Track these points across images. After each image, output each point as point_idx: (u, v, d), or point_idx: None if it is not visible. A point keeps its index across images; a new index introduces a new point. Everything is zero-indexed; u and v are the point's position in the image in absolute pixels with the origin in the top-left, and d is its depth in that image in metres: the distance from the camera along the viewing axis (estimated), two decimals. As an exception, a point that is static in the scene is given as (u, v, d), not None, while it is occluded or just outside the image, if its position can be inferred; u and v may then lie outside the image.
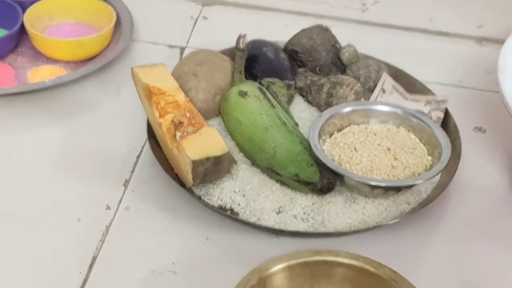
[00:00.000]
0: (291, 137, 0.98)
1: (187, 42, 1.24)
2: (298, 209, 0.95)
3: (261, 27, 1.25)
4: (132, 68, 1.01)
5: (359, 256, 0.84)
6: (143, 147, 1.04)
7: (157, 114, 0.98)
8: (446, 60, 1.23)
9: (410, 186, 0.96)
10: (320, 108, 1.07)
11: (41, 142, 1.05)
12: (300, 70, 1.11)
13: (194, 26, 1.28)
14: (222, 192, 0.96)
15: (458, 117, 1.06)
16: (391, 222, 0.93)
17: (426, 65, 1.20)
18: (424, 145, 1.00)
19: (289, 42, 1.13)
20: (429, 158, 0.98)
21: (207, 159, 0.92)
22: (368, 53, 1.14)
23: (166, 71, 1.02)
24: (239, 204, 0.95)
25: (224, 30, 1.18)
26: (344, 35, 1.15)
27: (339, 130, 1.02)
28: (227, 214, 0.94)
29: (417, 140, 1.01)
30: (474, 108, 1.13)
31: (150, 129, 1.02)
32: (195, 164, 0.92)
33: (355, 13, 1.31)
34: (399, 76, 1.12)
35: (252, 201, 0.95)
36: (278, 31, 1.19)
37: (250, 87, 1.02)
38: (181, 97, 0.99)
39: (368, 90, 1.10)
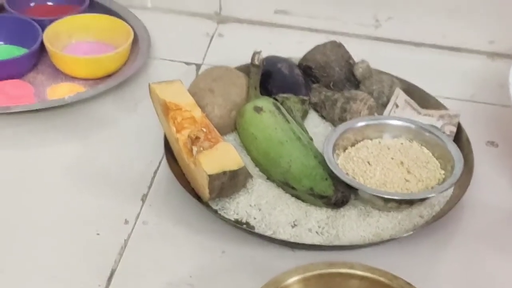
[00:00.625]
0: (305, 151, 0.99)
1: (203, 59, 1.26)
2: (313, 222, 0.96)
3: (275, 43, 1.26)
4: (149, 85, 1.03)
5: (373, 268, 0.84)
6: (160, 162, 1.05)
7: (174, 129, 0.99)
8: (458, 75, 1.24)
9: (423, 200, 0.97)
10: (334, 123, 1.08)
11: (61, 157, 1.06)
12: (314, 85, 1.12)
13: (210, 43, 1.30)
14: (238, 206, 0.97)
15: (470, 132, 1.06)
16: (405, 235, 0.94)
17: (439, 80, 1.20)
18: (437, 159, 1.01)
19: (304, 58, 1.14)
20: (442, 172, 0.99)
21: (224, 173, 0.94)
22: (381, 68, 1.15)
23: (182, 87, 1.03)
24: (254, 218, 0.96)
25: (239, 47, 1.19)
26: (358, 51, 1.16)
27: (353, 145, 1.03)
28: (243, 228, 0.95)
29: (430, 154, 1.01)
30: (487, 123, 1.14)
31: (167, 144, 1.03)
32: (212, 178, 0.93)
33: (368, 30, 1.31)
34: (412, 91, 1.13)
35: (268, 215, 0.96)
36: (292, 48, 1.20)
37: (265, 102, 1.03)
38: (197, 112, 1.00)
39: (381, 105, 1.11)
